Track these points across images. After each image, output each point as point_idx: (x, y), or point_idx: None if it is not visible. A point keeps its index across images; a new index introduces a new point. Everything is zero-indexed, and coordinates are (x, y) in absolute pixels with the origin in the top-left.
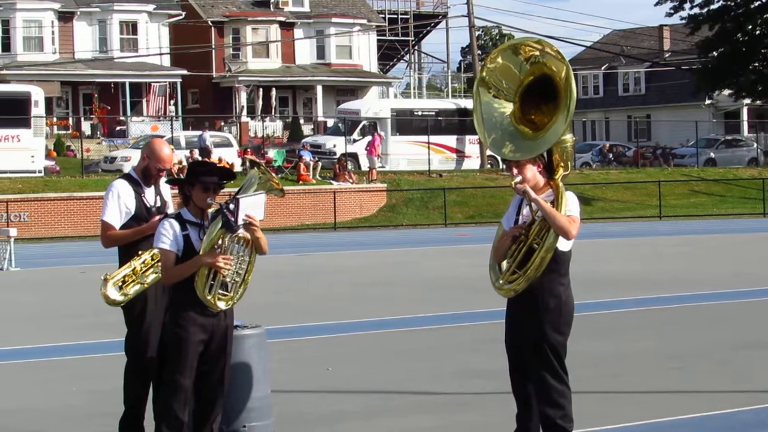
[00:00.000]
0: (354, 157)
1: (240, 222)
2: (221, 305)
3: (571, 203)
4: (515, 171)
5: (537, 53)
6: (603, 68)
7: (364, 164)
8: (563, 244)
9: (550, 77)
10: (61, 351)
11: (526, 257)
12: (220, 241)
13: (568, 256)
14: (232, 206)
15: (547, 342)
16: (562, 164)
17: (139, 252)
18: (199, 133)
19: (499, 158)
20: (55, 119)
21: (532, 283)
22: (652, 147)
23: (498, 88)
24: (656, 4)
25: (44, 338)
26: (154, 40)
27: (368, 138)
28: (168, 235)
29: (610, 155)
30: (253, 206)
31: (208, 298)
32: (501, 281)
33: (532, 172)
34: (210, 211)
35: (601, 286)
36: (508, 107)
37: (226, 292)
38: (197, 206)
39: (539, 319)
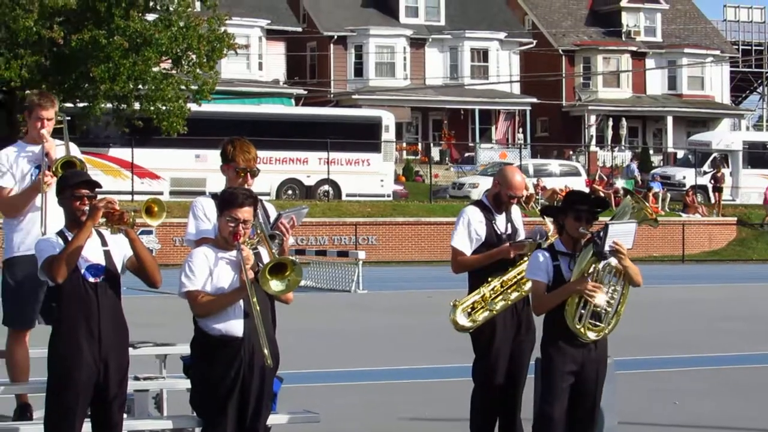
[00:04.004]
0: (704, 189)
1: (607, 248)
2: (591, 335)
3: None
4: None
5: None
6: None
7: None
8: None
9: None
10: (412, 374)
11: None
12: (591, 270)
13: None
14: (602, 233)
15: None
16: None
17: (489, 279)
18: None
19: None
20: (404, 144)
21: None
22: None
23: None
24: None
25: (395, 361)
26: (505, 67)
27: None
28: (539, 265)
29: None
30: (622, 234)
31: (578, 327)
32: None
33: None
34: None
35: None
36: None
37: (597, 323)
38: (570, 236)
39: None
